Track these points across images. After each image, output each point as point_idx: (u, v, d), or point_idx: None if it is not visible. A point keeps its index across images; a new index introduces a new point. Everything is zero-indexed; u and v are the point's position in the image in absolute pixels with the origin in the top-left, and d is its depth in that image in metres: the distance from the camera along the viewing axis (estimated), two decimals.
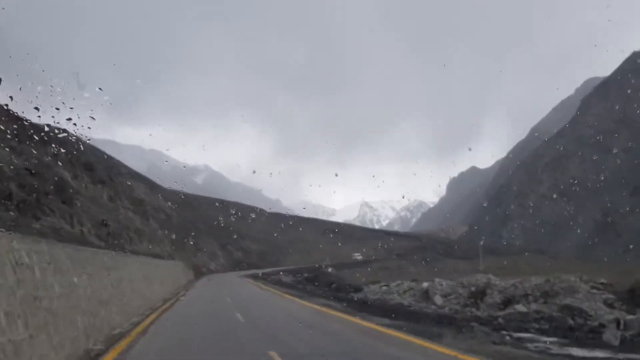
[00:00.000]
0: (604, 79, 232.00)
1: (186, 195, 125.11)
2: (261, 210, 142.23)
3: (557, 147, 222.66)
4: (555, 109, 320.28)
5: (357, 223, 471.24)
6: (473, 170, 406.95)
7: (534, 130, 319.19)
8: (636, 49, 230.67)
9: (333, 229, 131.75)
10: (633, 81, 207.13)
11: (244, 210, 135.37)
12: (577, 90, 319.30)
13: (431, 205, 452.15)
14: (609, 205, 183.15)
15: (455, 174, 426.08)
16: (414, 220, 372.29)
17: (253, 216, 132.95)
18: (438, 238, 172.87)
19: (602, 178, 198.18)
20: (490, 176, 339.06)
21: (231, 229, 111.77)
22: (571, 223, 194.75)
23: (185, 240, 66.18)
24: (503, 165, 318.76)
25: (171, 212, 77.25)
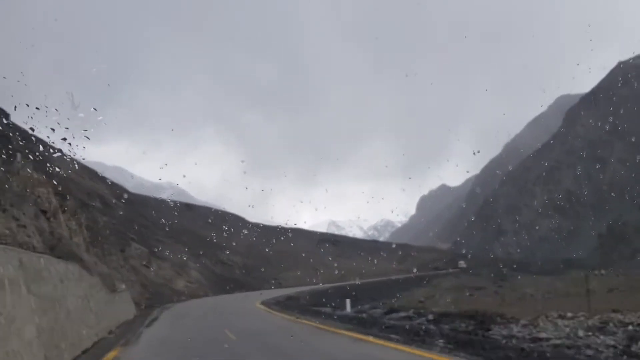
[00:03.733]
0: (591, 89, 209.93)
1: (136, 195, 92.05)
2: (241, 218, 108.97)
3: (544, 161, 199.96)
4: (529, 125, 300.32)
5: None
6: (443, 188, 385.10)
7: (508, 146, 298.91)
8: (622, 59, 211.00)
9: (327, 240, 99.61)
10: (621, 92, 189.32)
11: (220, 217, 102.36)
12: (551, 107, 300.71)
13: (399, 225, 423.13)
14: (616, 217, 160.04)
15: (425, 192, 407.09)
16: (381, 239, 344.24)
17: (234, 227, 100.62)
18: (447, 251, 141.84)
19: (602, 189, 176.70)
20: (462, 193, 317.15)
21: (208, 238, 79.36)
22: (572, 237, 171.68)
23: (127, 242, 34.92)
24: (477, 181, 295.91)
25: (112, 205, 45.74)
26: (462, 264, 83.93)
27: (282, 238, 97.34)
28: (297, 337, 16.50)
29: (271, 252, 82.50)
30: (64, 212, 22.55)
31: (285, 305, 31.94)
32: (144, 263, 37.09)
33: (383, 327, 17.94)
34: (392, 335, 14.89)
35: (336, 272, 69.84)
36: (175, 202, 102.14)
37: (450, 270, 73.85)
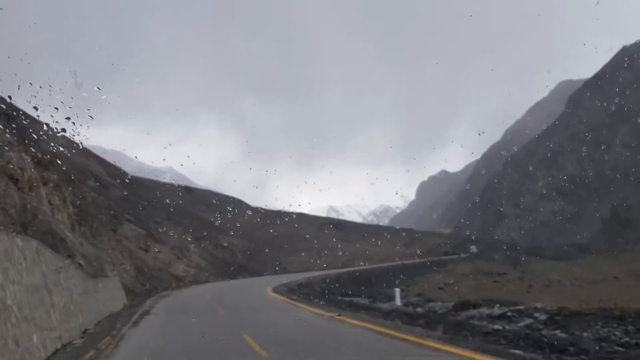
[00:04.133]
0: (595, 73, 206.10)
1: (135, 177, 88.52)
2: (242, 201, 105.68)
3: (548, 144, 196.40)
4: (530, 111, 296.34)
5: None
6: (443, 174, 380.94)
7: (508, 132, 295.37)
8: (626, 43, 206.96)
9: (330, 224, 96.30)
10: (626, 75, 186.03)
11: (220, 201, 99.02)
12: (552, 92, 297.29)
13: (398, 211, 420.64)
14: (620, 201, 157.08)
15: (425, 178, 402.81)
16: (381, 224, 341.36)
17: (235, 210, 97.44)
18: (452, 236, 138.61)
19: (606, 173, 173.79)
20: (463, 178, 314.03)
21: (208, 221, 76.36)
22: (575, 221, 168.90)
23: (120, 222, 31.40)
24: (478, 167, 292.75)
25: (108, 184, 42.43)
26: (473, 248, 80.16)
27: (285, 221, 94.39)
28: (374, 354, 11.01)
29: (273, 236, 79.44)
30: (44, 184, 19.13)
31: (303, 294, 27.35)
32: (141, 246, 33.88)
33: (483, 334, 12.26)
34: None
35: (340, 255, 66.80)
36: (175, 185, 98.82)
37: (462, 255, 70.60)
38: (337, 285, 31.72)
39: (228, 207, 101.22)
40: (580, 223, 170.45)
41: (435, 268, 47.56)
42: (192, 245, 47.67)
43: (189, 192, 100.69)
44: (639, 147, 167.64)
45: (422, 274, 44.06)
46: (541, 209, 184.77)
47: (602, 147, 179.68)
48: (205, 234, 67.40)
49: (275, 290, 28.99)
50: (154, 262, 33.16)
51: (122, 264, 24.50)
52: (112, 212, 30.31)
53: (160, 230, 42.04)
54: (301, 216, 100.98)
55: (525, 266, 53.16)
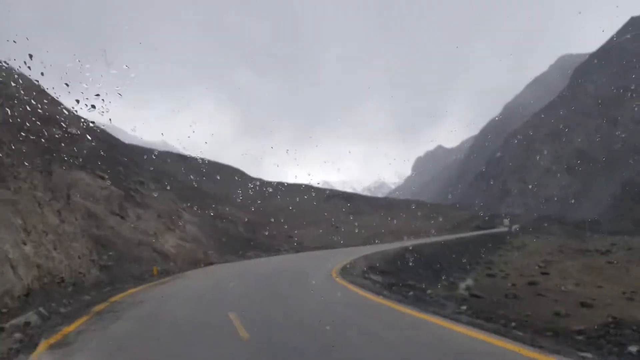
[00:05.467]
0: (602, 46, 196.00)
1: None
2: (241, 171, 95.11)
3: (553, 118, 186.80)
4: (529, 86, 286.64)
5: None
6: (440, 149, 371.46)
7: (507, 107, 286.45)
8: (634, 14, 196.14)
9: (338, 196, 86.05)
10: (634, 47, 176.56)
11: (218, 170, 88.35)
12: (552, 66, 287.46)
13: (393, 186, 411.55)
14: (631, 177, 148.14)
15: (422, 154, 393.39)
16: (389, 198, 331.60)
17: (234, 181, 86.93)
18: (471, 211, 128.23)
19: (614, 149, 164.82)
20: (459, 154, 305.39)
21: (205, 191, 66.12)
22: (582, 197, 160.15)
23: (70, 167, 20.60)
24: (476, 142, 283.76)
25: (77, 136, 32.14)
26: (507, 222, 71.68)
27: (289, 193, 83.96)
28: None
29: (278, 208, 69.06)
30: None
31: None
32: (114, 210, 23.41)
33: None
34: None
35: (358, 229, 56.53)
36: (168, 152, 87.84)
37: (508, 229, 60.47)
38: (398, 265, 21.95)
39: (226, 177, 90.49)
40: (587, 199, 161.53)
41: (490, 245, 37.34)
42: (187, 213, 37.10)
43: (184, 161, 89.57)
44: None
45: (488, 252, 34.15)
46: (547, 185, 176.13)
47: (611, 122, 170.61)
48: (201, 204, 56.80)
49: (355, 283, 18.03)
50: (131, 233, 22.75)
51: (63, 232, 14.29)
52: (60, 155, 19.73)
53: (144, 192, 31.47)
54: (307, 188, 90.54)
55: (596, 241, 43.50)
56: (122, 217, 23.99)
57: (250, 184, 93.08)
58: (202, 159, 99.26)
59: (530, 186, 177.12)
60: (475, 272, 23.88)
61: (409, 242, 38.73)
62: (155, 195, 31.73)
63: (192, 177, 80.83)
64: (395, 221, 63.10)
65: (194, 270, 24.22)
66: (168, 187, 41.32)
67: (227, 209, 60.29)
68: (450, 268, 24.37)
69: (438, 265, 24.33)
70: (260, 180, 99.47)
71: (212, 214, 55.44)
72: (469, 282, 20.48)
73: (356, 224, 58.61)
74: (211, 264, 27.57)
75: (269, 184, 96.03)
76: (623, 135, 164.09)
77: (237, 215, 56.71)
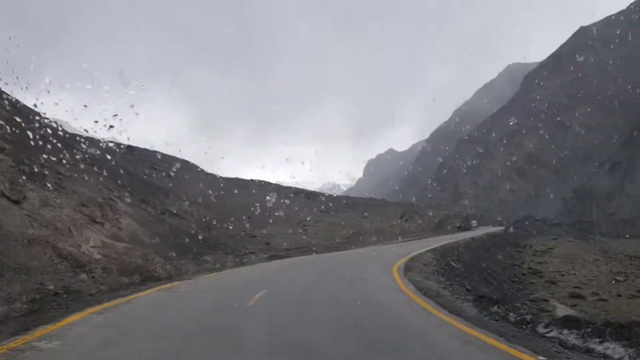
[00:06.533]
0: (552, 53, 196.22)
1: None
2: (195, 166, 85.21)
3: (505, 123, 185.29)
4: (478, 92, 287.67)
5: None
6: (391, 152, 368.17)
7: (457, 112, 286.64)
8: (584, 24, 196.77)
9: (299, 193, 77.34)
10: (584, 56, 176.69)
11: (169, 162, 78.13)
12: (501, 74, 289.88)
13: (344, 188, 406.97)
14: (584, 181, 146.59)
15: (373, 156, 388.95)
16: (350, 196, 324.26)
17: (188, 175, 77.51)
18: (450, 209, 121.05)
19: (564, 154, 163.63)
20: (410, 157, 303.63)
21: (153, 184, 56.50)
22: (534, 200, 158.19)
23: None
24: (427, 146, 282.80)
25: None
26: (474, 223, 67.24)
27: (247, 189, 75.01)
28: None
29: (238, 205, 59.97)
30: None
31: None
32: (5, 191, 14.09)
33: None
34: None
35: (335, 230, 48.07)
36: (113, 142, 76.50)
37: (506, 229, 53.19)
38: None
39: (182, 171, 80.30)
40: (539, 202, 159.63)
41: (508, 249, 29.54)
42: (125, 204, 27.62)
43: (131, 152, 79.05)
44: (598, 128, 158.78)
45: (512, 257, 26.56)
46: (499, 188, 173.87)
47: (561, 128, 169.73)
48: (148, 198, 47.18)
49: None
50: (22, 225, 13.50)
51: None
52: None
53: (64, 173, 22.00)
54: (268, 185, 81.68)
55: (615, 244, 36.93)
56: (14, 201, 14.77)
57: (207, 179, 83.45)
58: (154, 151, 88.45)
59: (483, 189, 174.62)
60: (534, 285, 16.23)
61: (420, 244, 31.31)
62: (85, 179, 22.28)
63: (141, 170, 70.84)
64: (372, 221, 55.03)
65: (125, 300, 14.18)
66: (104, 173, 31.68)
67: (181, 204, 50.76)
68: (498, 279, 16.60)
69: (489, 276, 16.57)
70: (218, 175, 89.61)
71: (162, 208, 45.88)
72: (555, 303, 12.68)
73: (329, 222, 50.27)
74: (160, 279, 18.03)
75: (228, 179, 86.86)
76: (573, 141, 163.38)
77: (192, 211, 47.35)
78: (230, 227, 46.63)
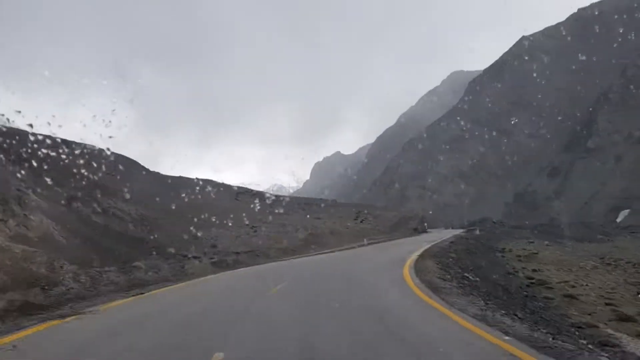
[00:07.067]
0: (495, 61, 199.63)
1: None
2: (136, 162, 78.76)
3: (450, 128, 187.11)
4: (423, 98, 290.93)
5: None
6: (338, 155, 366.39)
7: (403, 117, 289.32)
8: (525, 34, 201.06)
9: (247, 193, 72.64)
10: (525, 64, 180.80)
11: (106, 157, 71.57)
12: (444, 81, 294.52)
13: (291, 190, 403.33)
14: (525, 186, 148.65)
15: (320, 159, 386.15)
16: (299, 197, 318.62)
17: (127, 172, 71.04)
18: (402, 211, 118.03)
19: (506, 159, 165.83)
20: (357, 160, 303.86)
21: (89, 179, 50.00)
22: (477, 203, 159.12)
23: None
24: (373, 149, 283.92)
25: None
26: (426, 225, 63.29)
27: (192, 189, 69.22)
28: None
29: (183, 205, 54.58)
30: None
31: None
32: None
33: None
34: None
35: (288, 231, 44.03)
36: (44, 135, 69.19)
37: (468, 230, 49.88)
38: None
39: (121, 168, 73.34)
40: (482, 206, 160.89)
41: (491, 254, 26.00)
42: (41, 198, 22.56)
43: (67, 146, 71.04)
44: (539, 134, 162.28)
45: (499, 265, 22.95)
46: (443, 192, 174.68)
47: (503, 134, 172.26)
48: (80, 195, 41.59)
49: None
50: None
51: None
52: None
53: None
54: (213, 184, 76.53)
55: (592, 248, 34.49)
56: None
57: (150, 177, 77.44)
58: (95, 147, 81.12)
59: (428, 192, 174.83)
60: (552, 301, 12.88)
61: (400, 249, 27.30)
62: None
63: (74, 163, 64.31)
64: (325, 221, 51.13)
65: None
66: (23, 165, 26.33)
67: (118, 202, 45.36)
68: (509, 292, 13.21)
69: (502, 290, 13.10)
70: (161, 174, 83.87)
71: (96, 206, 40.50)
72: (610, 331, 9.34)
73: (281, 223, 46.11)
74: (55, 301, 12.42)
75: (172, 178, 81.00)
76: (514, 147, 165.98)
77: (130, 210, 42.15)
78: (173, 228, 41.85)
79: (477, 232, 42.27)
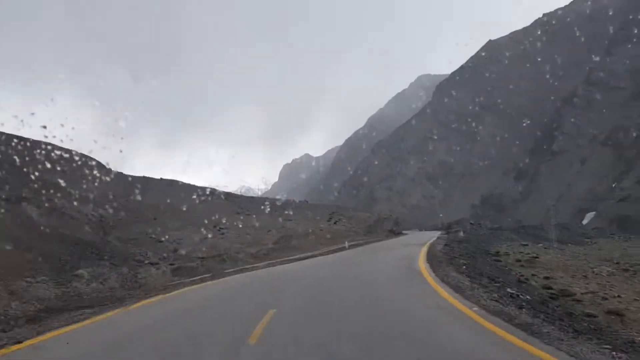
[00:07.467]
0: (461, 65, 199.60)
1: None
2: (97, 161, 74.12)
3: (418, 130, 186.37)
4: (391, 101, 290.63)
5: None
6: (306, 157, 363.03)
7: (371, 119, 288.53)
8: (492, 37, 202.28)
9: (212, 193, 69.23)
10: (491, 68, 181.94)
11: (63, 156, 67.21)
12: (412, 84, 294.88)
13: (259, 192, 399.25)
14: (491, 188, 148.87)
15: (289, 161, 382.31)
16: (269, 197, 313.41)
17: (85, 171, 66.46)
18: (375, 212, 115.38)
19: (473, 162, 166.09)
20: (325, 162, 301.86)
21: (42, 177, 46.15)
22: (444, 205, 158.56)
23: None
24: (341, 151, 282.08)
25: None
26: (399, 227, 60.90)
27: (156, 189, 66.09)
28: None
29: (145, 206, 51.37)
30: None
31: None
32: None
33: None
34: None
35: (259, 233, 41.08)
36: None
37: (447, 232, 47.53)
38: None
39: (79, 168, 68.59)
40: (449, 207, 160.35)
41: (487, 259, 23.23)
42: None
43: (23, 142, 66.32)
44: (505, 138, 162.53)
45: (502, 270, 20.38)
46: (411, 194, 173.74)
47: (470, 136, 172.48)
48: (31, 194, 37.99)
49: None
50: None
51: None
52: None
53: None
54: (178, 184, 72.99)
55: (587, 249, 32.49)
56: None
57: (112, 177, 72.19)
58: (55, 146, 76.28)
59: (396, 194, 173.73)
60: (594, 319, 10.59)
61: (389, 254, 24.39)
62: None
63: (27, 162, 59.93)
64: (297, 223, 48.33)
65: None
66: None
67: (74, 202, 41.58)
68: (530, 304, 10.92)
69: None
70: (124, 173, 78.89)
71: (49, 207, 36.81)
72: None
73: (250, 225, 43.13)
74: None
75: (135, 178, 76.52)
76: (481, 150, 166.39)
77: (86, 211, 38.53)
78: (133, 230, 38.38)
79: (462, 234, 40.10)
